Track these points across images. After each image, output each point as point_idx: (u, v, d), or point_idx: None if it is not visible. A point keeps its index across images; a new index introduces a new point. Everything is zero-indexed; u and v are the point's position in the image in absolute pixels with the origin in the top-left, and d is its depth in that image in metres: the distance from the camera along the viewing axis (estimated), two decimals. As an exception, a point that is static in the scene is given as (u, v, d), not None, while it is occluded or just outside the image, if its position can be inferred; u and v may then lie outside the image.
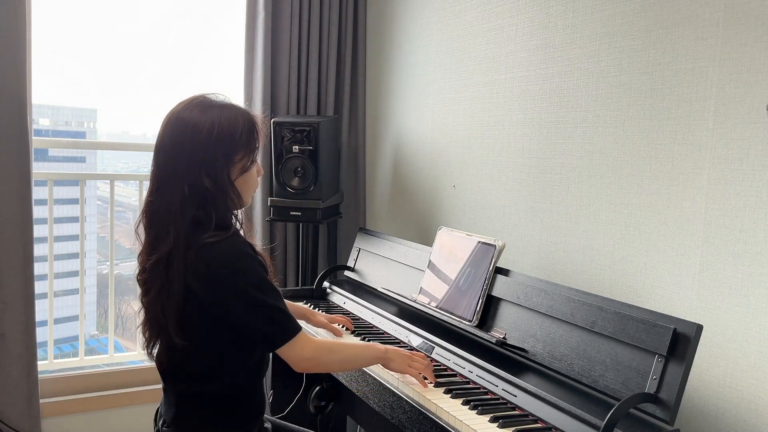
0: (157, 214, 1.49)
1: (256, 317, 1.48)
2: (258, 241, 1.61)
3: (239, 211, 1.60)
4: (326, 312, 2.33)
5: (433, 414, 1.55)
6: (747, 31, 1.59)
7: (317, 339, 1.60)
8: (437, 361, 1.85)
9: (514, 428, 1.44)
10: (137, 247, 1.56)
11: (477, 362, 1.74)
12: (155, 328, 1.54)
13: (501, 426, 1.45)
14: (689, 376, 1.38)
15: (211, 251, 1.45)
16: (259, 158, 1.61)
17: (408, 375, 1.69)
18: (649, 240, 1.83)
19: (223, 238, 1.46)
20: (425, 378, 1.69)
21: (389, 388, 1.71)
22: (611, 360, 1.52)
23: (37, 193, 2.61)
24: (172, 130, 1.50)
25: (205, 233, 1.46)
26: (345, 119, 3.17)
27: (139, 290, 1.58)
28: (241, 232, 1.57)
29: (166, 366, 1.57)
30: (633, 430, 1.35)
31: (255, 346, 1.55)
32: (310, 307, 2.41)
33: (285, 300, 2.01)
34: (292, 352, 1.51)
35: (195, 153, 1.47)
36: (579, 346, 1.60)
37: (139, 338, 1.64)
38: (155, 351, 1.59)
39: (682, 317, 1.44)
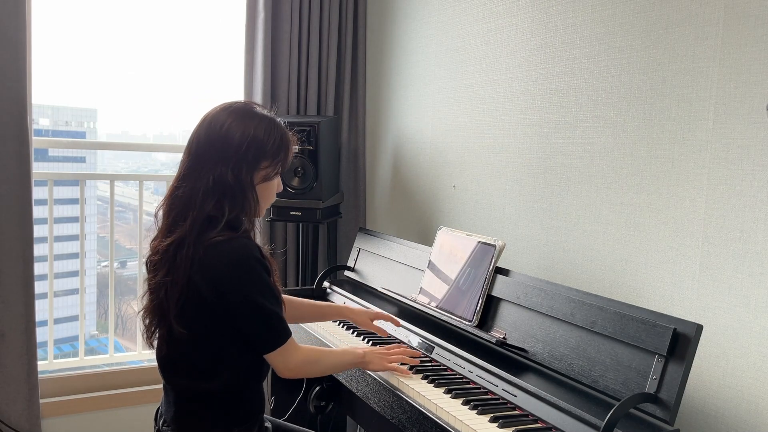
0: (179, 200, 1.53)
1: (252, 319, 1.51)
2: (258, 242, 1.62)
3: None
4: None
5: (433, 414, 1.55)
6: (747, 31, 1.59)
7: (303, 348, 1.62)
8: (437, 361, 1.85)
9: (514, 428, 1.44)
10: (154, 231, 1.60)
11: (477, 362, 1.74)
12: (157, 313, 1.55)
13: (501, 426, 1.45)
14: (689, 376, 1.39)
15: (218, 250, 1.48)
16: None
17: (389, 370, 1.74)
18: (649, 240, 1.83)
19: (231, 238, 1.50)
20: (411, 367, 1.74)
21: (389, 388, 1.71)
22: (611, 360, 1.52)
23: (37, 193, 2.61)
24: (209, 127, 1.56)
25: (214, 230, 1.49)
26: (345, 119, 3.17)
27: (146, 274, 1.61)
28: (252, 235, 1.59)
29: (165, 354, 1.58)
30: (633, 430, 1.35)
31: (250, 346, 1.56)
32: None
33: (319, 302, 2.02)
34: (278, 359, 1.56)
35: (226, 150, 1.53)
36: (579, 346, 1.60)
37: (139, 325, 1.66)
38: (155, 340, 1.60)
39: (682, 317, 1.44)
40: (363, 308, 2.04)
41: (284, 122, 1.65)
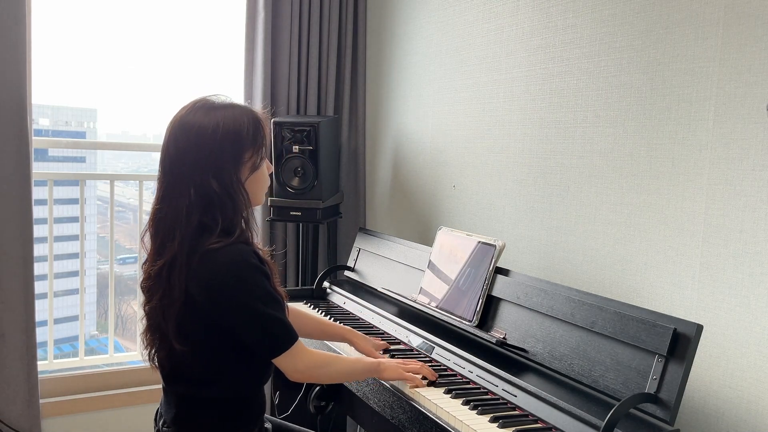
0: (163, 221, 1.48)
1: (254, 327, 1.48)
2: (259, 243, 1.59)
3: (249, 211, 1.56)
4: (326, 312, 2.33)
5: (433, 414, 1.55)
6: (747, 31, 1.59)
7: (313, 352, 1.59)
8: (437, 361, 1.85)
9: (514, 428, 1.44)
10: (143, 255, 1.56)
11: (477, 362, 1.74)
12: (156, 334, 1.53)
13: (501, 426, 1.45)
14: (689, 376, 1.39)
15: (214, 258, 1.44)
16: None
17: (404, 379, 1.69)
18: (649, 240, 1.83)
19: (227, 244, 1.45)
20: (424, 378, 1.69)
21: (389, 388, 1.71)
22: (611, 360, 1.52)
23: (37, 193, 2.61)
24: (177, 135, 1.48)
25: (210, 238, 1.45)
26: (345, 119, 3.17)
27: (141, 298, 1.57)
28: (250, 237, 1.54)
29: (168, 371, 1.57)
30: (633, 430, 1.35)
31: (254, 354, 1.54)
32: (309, 307, 2.41)
33: (326, 320, 1.97)
34: (285, 363, 1.52)
35: (201, 156, 1.45)
36: (579, 346, 1.60)
37: (140, 343, 1.63)
38: (156, 357, 1.58)
39: (682, 317, 1.44)
40: (367, 337, 1.97)
41: (261, 109, 1.56)
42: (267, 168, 1.59)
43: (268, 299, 1.48)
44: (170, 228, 1.46)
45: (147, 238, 1.53)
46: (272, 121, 2.78)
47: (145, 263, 1.54)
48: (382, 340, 2.04)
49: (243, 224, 1.52)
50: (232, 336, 1.50)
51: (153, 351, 1.57)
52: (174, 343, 1.47)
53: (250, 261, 1.47)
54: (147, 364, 1.60)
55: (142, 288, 1.55)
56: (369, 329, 2.15)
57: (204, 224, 1.46)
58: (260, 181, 1.56)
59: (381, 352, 1.93)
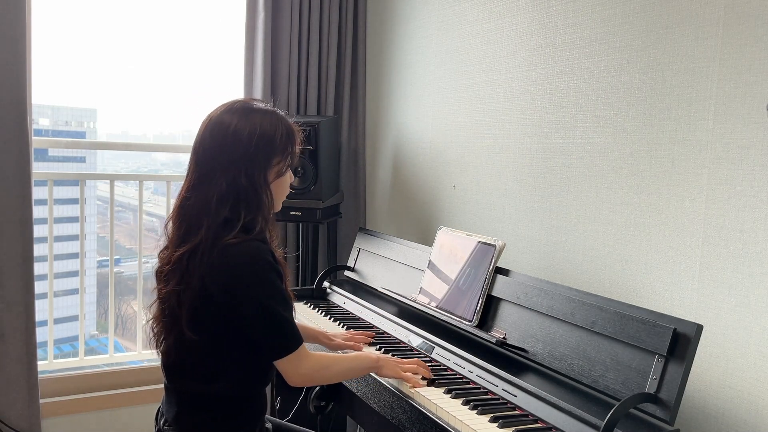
0: (192, 209, 1.51)
1: (262, 325, 1.49)
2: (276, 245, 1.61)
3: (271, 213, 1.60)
4: (326, 312, 2.33)
5: (433, 414, 1.55)
6: (747, 31, 1.59)
7: (314, 355, 1.60)
8: (437, 361, 1.85)
9: (514, 428, 1.44)
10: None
11: (477, 362, 1.74)
12: (169, 320, 1.54)
13: (501, 426, 1.45)
14: (689, 376, 1.39)
15: (231, 253, 1.46)
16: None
17: (402, 378, 1.70)
18: (649, 240, 1.83)
19: (244, 240, 1.48)
20: (423, 377, 1.70)
21: (389, 388, 1.71)
22: (611, 360, 1.52)
23: (37, 193, 2.61)
24: (213, 130, 1.53)
25: (229, 234, 1.48)
26: (345, 119, 3.17)
27: (156, 284, 1.59)
28: (268, 237, 1.57)
29: (173, 360, 1.57)
30: (633, 430, 1.35)
31: (259, 353, 1.55)
32: (309, 307, 2.42)
33: (301, 324, 1.96)
34: (288, 366, 1.53)
35: (236, 152, 1.51)
36: (579, 346, 1.60)
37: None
38: (162, 344, 1.59)
39: (682, 317, 1.44)
40: (330, 334, 1.98)
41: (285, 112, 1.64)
42: (289, 177, 1.64)
43: (280, 298, 1.50)
44: (197, 216, 1.50)
45: (170, 226, 1.56)
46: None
47: (164, 250, 1.57)
48: (383, 340, 2.04)
49: (263, 224, 1.55)
50: (240, 332, 1.51)
51: (161, 337, 1.58)
52: (185, 330, 1.48)
53: (266, 258, 1.50)
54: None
55: (157, 273, 1.58)
56: (369, 329, 2.15)
57: (227, 219, 1.49)
58: (282, 187, 1.62)
59: (365, 345, 1.96)
